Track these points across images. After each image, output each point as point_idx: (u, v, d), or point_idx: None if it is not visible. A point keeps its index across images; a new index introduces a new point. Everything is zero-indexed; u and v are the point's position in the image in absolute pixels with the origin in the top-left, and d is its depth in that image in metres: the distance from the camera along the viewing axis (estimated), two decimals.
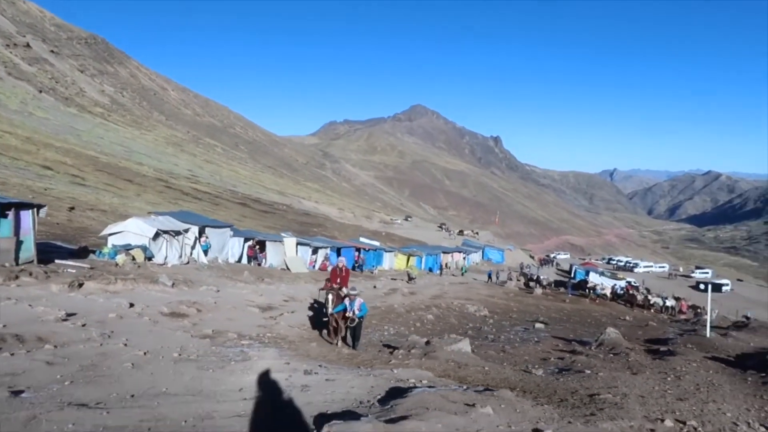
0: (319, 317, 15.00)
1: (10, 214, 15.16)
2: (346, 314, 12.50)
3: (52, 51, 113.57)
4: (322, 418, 5.19)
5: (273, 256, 30.33)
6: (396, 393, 6.29)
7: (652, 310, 38.62)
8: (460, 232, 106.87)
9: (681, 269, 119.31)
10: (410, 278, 35.48)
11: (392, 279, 34.58)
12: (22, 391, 5.91)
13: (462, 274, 51.56)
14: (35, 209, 16.34)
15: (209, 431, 5.13)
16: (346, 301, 12.61)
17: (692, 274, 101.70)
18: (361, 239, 50.53)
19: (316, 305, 17.15)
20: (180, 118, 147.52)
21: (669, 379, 8.73)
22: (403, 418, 4.75)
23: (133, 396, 6.21)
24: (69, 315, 10.83)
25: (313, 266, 33.38)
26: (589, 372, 9.46)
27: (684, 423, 5.65)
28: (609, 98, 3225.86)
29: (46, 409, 5.21)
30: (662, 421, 5.62)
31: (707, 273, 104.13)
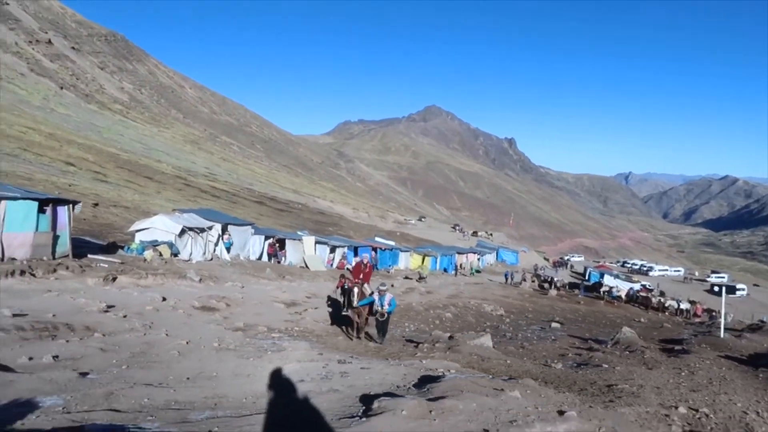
0: (339, 314, 15.47)
1: (48, 209, 15.83)
2: (376, 309, 12.95)
3: (73, 48, 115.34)
4: (368, 397, 5.73)
5: (292, 254, 30.94)
6: (428, 380, 6.80)
7: (666, 313, 38.70)
8: (474, 233, 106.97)
9: (696, 273, 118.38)
10: (421, 277, 35.95)
11: (405, 278, 35.07)
12: (87, 373, 6.49)
13: (471, 274, 51.77)
14: (71, 205, 17.04)
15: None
16: (375, 296, 13.07)
17: (708, 279, 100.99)
18: (377, 239, 51.05)
19: (333, 302, 17.60)
20: (197, 116, 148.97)
21: (683, 373, 9.16)
22: (441, 397, 5.29)
23: (188, 378, 6.79)
24: (109, 307, 11.45)
25: (331, 264, 33.93)
26: (606, 366, 9.92)
27: (696, 410, 6.08)
28: (625, 101, 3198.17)
29: (118, 386, 5.78)
30: (676, 408, 6.06)
31: (723, 277, 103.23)
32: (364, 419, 4.79)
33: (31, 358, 6.87)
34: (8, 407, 4.63)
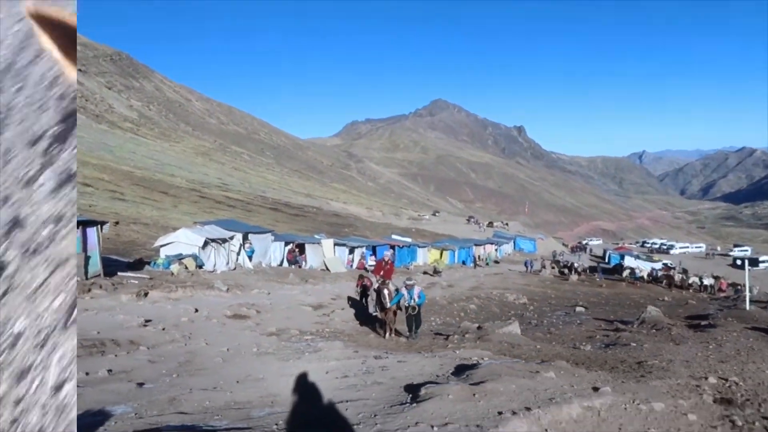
0: (366, 313, 15.76)
1: (78, 231, 16.32)
2: (407, 304, 13.16)
3: (80, 69, 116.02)
4: (412, 387, 6.11)
5: (312, 257, 31.30)
6: (464, 368, 7.15)
7: (690, 290, 38.64)
8: (490, 224, 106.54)
9: (719, 248, 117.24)
10: (436, 271, 36.22)
11: (424, 273, 35.41)
12: (143, 383, 6.88)
13: (486, 265, 51.74)
14: (99, 226, 17.57)
15: None
16: (404, 291, 13.29)
17: (730, 253, 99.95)
18: (393, 236, 51.32)
19: (358, 302, 17.86)
20: (206, 128, 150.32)
21: (711, 346, 9.44)
22: (482, 382, 5.66)
23: (238, 382, 7.17)
24: (147, 321, 11.88)
25: (351, 265, 34.24)
26: (634, 345, 10.22)
27: (726, 380, 6.36)
28: (634, 78, 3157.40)
29: (178, 392, 6.17)
30: (706, 378, 6.34)
31: (746, 250, 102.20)
32: (414, 405, 5.15)
33: (87, 373, 7.27)
34: (84, 416, 5.01)
